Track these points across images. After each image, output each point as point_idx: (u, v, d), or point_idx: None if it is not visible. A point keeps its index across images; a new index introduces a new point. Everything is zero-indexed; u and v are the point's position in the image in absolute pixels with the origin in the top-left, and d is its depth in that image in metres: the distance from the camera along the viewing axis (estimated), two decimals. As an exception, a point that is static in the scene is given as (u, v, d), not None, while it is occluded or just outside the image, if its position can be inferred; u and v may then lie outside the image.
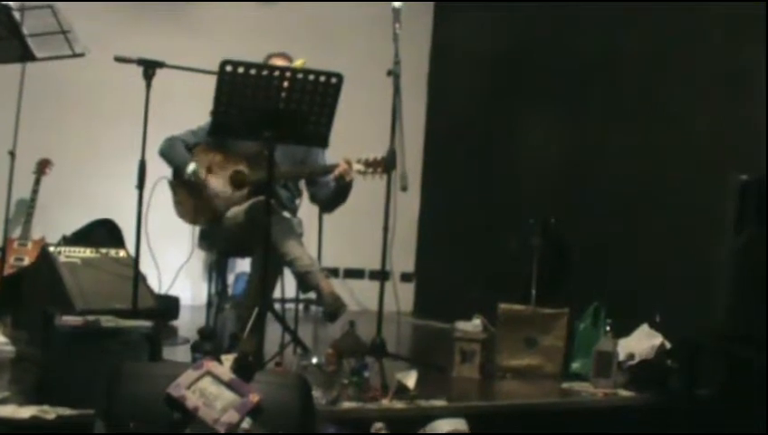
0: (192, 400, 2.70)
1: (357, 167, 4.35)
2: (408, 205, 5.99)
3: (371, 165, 4.33)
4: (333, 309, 4.18)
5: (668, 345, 4.17)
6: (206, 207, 4.54)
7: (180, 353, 4.17)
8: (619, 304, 4.51)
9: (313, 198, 4.79)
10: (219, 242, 4.64)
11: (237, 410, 2.70)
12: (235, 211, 4.47)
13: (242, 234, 4.37)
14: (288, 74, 3.83)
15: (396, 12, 4.29)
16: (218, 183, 4.54)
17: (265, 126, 3.84)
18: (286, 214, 4.57)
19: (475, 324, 4.32)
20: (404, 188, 4.09)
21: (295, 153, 4.57)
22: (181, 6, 6.43)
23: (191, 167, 4.52)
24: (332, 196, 4.61)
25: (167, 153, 4.59)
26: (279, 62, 4.51)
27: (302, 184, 4.78)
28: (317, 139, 4.03)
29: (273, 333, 4.26)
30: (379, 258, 4.22)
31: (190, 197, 4.57)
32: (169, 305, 5.48)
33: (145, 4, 6.23)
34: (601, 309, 4.49)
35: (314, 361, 3.93)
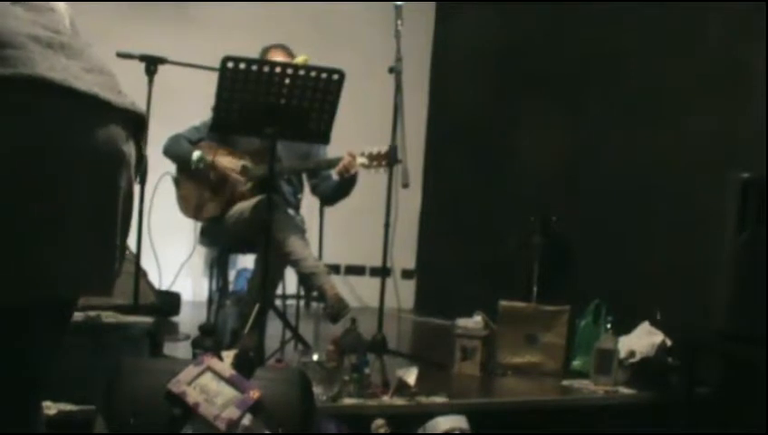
0: (192, 396, 2.71)
1: (361, 160, 4.35)
2: (410, 201, 5.99)
3: (375, 158, 4.33)
4: (336, 311, 4.18)
5: (669, 343, 4.17)
6: (213, 198, 4.54)
7: (181, 349, 4.17)
8: (619, 301, 4.52)
9: (314, 191, 4.79)
10: (222, 238, 4.64)
11: (238, 407, 2.70)
12: (242, 207, 4.47)
13: (247, 230, 4.36)
14: (290, 71, 3.83)
15: (398, 9, 4.30)
16: (228, 160, 4.53)
17: (267, 122, 3.85)
18: (291, 211, 4.57)
19: (475, 321, 4.32)
20: (405, 185, 4.09)
21: (299, 147, 4.57)
22: (184, 3, 6.43)
23: (196, 153, 4.51)
24: (335, 189, 4.62)
25: (171, 149, 4.58)
26: (278, 54, 4.51)
27: (304, 177, 4.78)
28: (318, 135, 4.03)
29: (274, 329, 4.27)
30: (380, 255, 4.23)
31: (195, 191, 4.57)
32: (170, 301, 5.49)
33: (148, 1, 6.23)
34: (602, 307, 4.50)
35: (315, 357, 3.93)
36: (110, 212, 1.75)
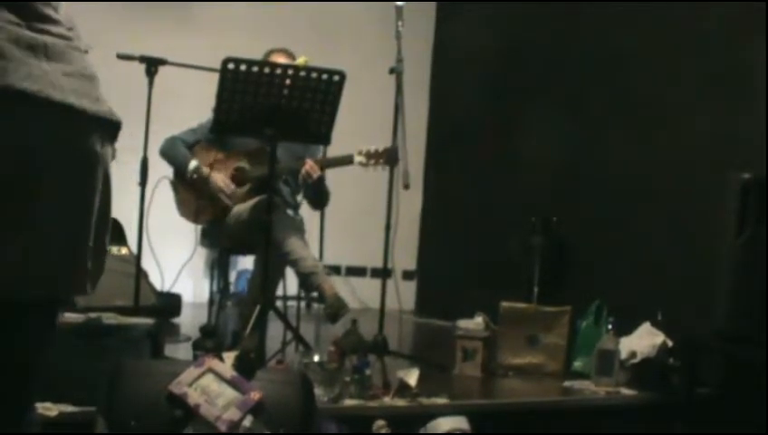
0: (194, 397, 2.71)
1: (359, 159, 4.36)
2: (410, 202, 5.98)
3: (373, 156, 4.34)
4: (335, 310, 4.19)
5: (670, 344, 4.17)
6: (209, 204, 4.55)
7: (182, 351, 4.17)
8: (620, 302, 4.51)
9: (304, 193, 4.80)
10: (223, 239, 4.65)
11: (239, 408, 2.70)
12: (240, 209, 4.47)
13: (246, 231, 4.37)
14: (290, 72, 3.83)
15: (398, 10, 4.30)
16: (221, 178, 4.55)
17: (267, 124, 3.85)
18: (290, 212, 4.57)
19: (476, 322, 4.32)
20: (406, 186, 4.10)
21: (295, 148, 4.58)
22: (184, 4, 6.44)
23: (193, 164, 4.53)
24: (314, 193, 4.62)
25: (168, 153, 4.59)
26: (280, 58, 4.51)
27: None
28: (319, 137, 4.03)
29: (275, 330, 4.26)
30: (381, 256, 4.23)
31: (192, 195, 4.58)
32: (171, 303, 5.49)
33: (148, 1, 6.23)
34: (603, 307, 4.50)
35: (316, 358, 3.92)
36: (83, 213, 1.76)
